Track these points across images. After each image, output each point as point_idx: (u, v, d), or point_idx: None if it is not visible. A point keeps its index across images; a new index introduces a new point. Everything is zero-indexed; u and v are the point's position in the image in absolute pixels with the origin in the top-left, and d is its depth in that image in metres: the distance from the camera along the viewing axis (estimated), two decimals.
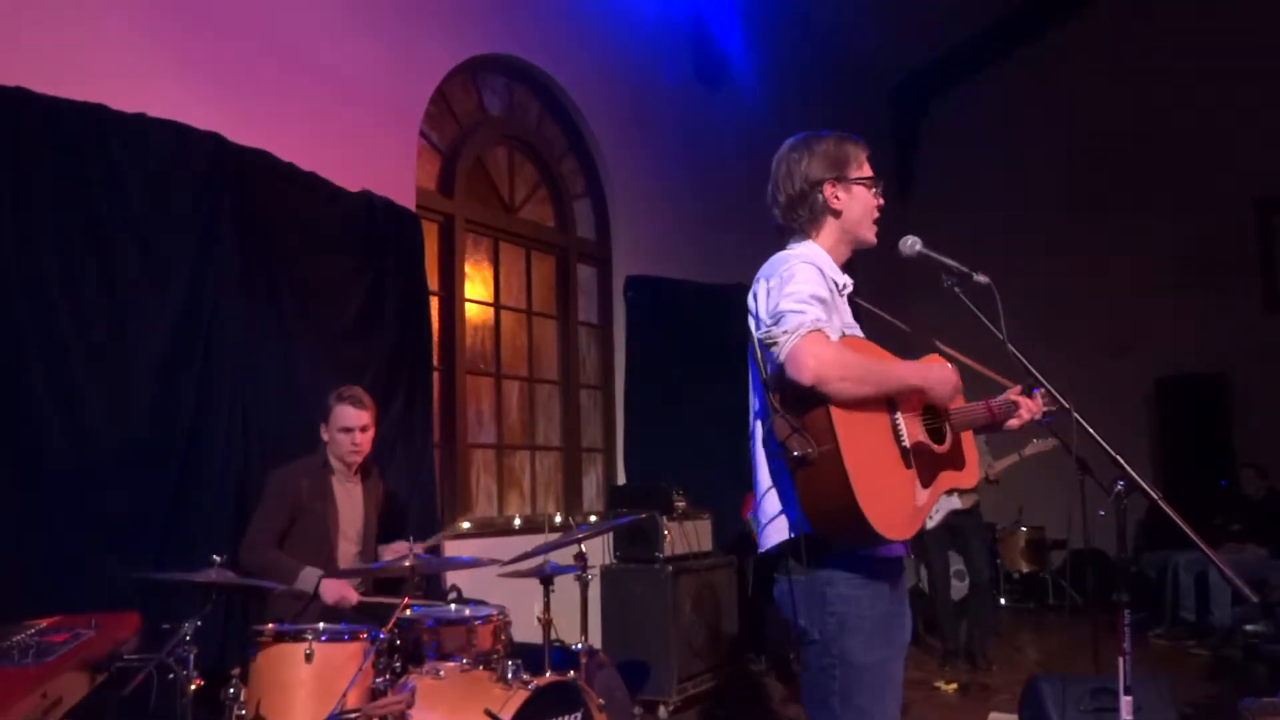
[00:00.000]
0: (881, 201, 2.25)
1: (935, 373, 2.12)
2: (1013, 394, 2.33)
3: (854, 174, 2.19)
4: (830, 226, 2.20)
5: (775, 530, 2.07)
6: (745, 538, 5.39)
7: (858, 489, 1.85)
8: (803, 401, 1.92)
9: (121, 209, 3.55)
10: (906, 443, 2.04)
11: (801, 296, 1.96)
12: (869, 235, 2.24)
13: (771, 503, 2.08)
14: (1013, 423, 2.33)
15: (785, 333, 1.93)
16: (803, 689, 2.10)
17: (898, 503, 1.98)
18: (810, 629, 2.02)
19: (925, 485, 2.09)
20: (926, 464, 2.11)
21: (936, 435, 2.17)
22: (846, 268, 2.26)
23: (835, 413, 1.89)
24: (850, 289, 2.23)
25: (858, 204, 2.20)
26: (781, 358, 1.93)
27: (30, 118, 3.30)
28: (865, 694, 2.00)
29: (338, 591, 3.39)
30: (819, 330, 1.92)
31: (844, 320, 2.13)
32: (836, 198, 2.18)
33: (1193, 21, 8.61)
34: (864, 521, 1.86)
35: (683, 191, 6.85)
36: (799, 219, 2.20)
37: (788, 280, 2.00)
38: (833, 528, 1.94)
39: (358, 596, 3.44)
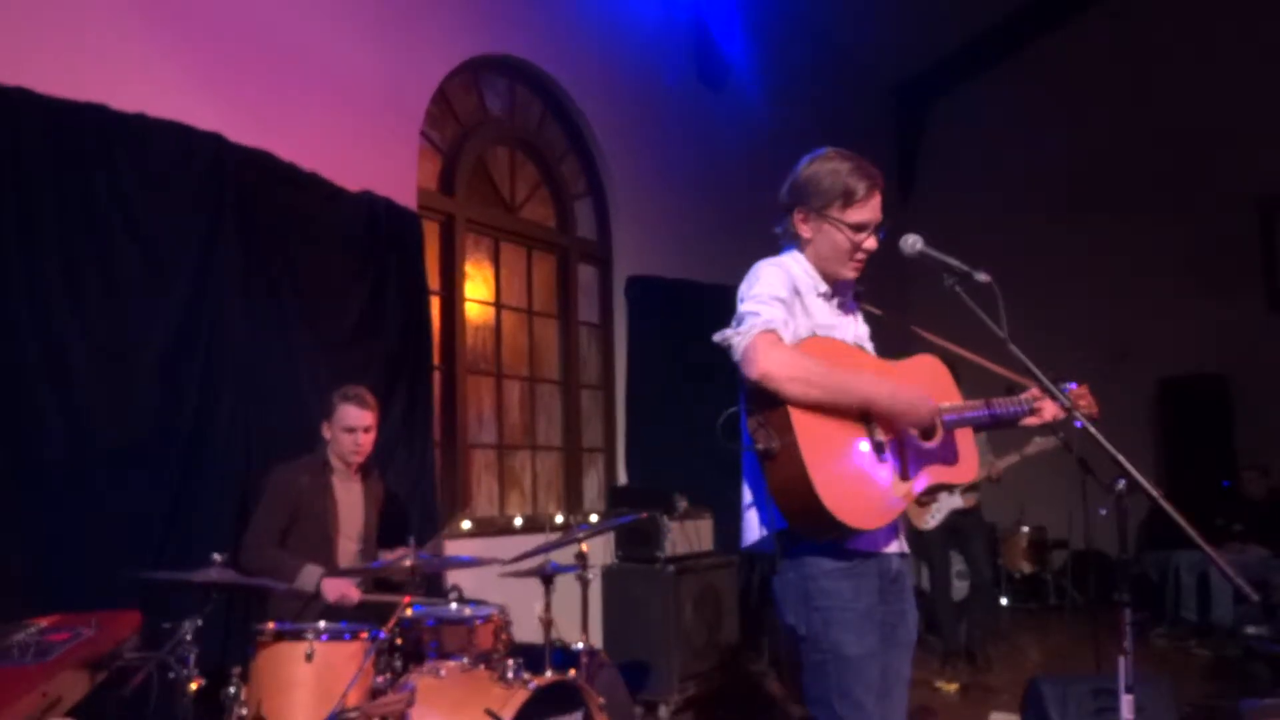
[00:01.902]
0: (870, 244, 2.18)
1: (904, 398, 2.07)
2: (1030, 394, 2.32)
3: (835, 212, 2.15)
4: (804, 247, 2.23)
5: (749, 525, 2.17)
6: None
7: (815, 479, 1.93)
8: (765, 398, 2.01)
9: (122, 209, 3.55)
10: (880, 436, 2.08)
11: (761, 298, 2.06)
12: (840, 272, 2.21)
13: (745, 495, 2.18)
14: (1031, 420, 2.33)
15: (738, 334, 2.03)
16: (804, 687, 2.13)
17: (863, 492, 2.03)
18: (798, 625, 2.08)
19: (906, 477, 2.11)
20: (907, 456, 2.14)
21: (926, 430, 2.20)
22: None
23: (793, 409, 1.98)
24: (838, 299, 2.24)
25: (825, 241, 2.18)
26: (735, 357, 2.04)
27: (31, 118, 3.30)
28: (860, 686, 2.03)
29: (339, 590, 3.38)
30: (771, 330, 2.00)
31: (816, 321, 2.16)
32: (804, 223, 2.20)
33: (1194, 21, 8.59)
34: (824, 510, 1.93)
35: (684, 192, 6.84)
36: (781, 233, 2.28)
37: (751, 284, 2.11)
38: (798, 518, 2.01)
39: (359, 594, 3.43)
